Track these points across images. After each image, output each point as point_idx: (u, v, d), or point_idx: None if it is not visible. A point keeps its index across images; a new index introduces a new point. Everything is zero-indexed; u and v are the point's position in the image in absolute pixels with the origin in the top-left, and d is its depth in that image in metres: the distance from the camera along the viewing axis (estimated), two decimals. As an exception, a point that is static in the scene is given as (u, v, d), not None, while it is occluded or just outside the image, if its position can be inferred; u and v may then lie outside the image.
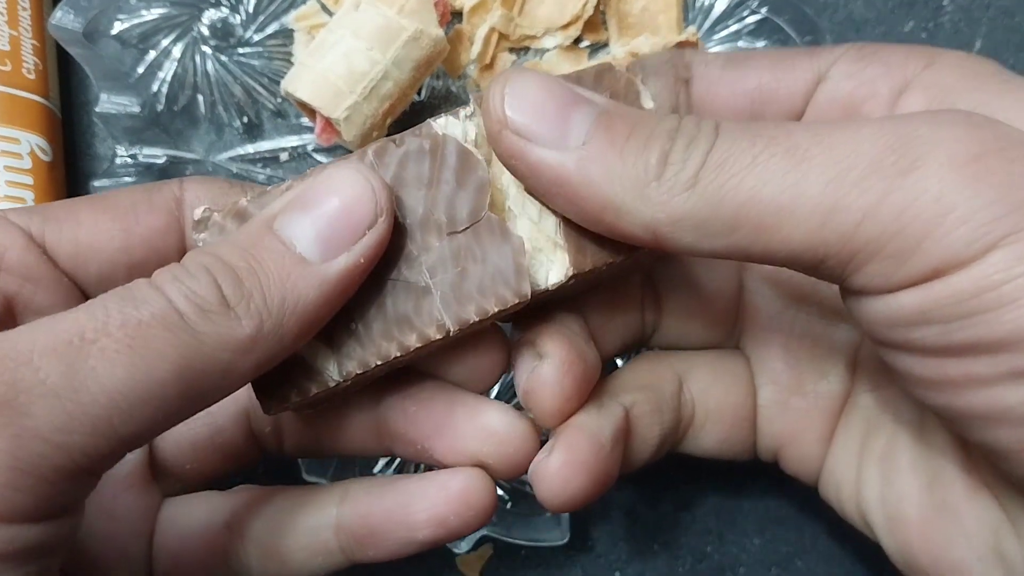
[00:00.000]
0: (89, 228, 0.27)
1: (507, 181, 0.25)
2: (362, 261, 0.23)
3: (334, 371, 0.25)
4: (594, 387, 0.29)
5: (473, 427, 0.28)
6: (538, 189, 0.24)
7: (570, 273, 0.25)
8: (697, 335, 0.33)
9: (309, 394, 0.25)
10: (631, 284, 0.31)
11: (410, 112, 0.41)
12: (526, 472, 0.28)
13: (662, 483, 0.42)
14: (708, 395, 0.32)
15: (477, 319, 0.25)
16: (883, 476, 0.29)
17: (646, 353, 0.33)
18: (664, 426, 0.30)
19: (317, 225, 0.23)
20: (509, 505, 0.39)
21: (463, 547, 0.38)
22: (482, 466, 0.28)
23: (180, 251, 0.28)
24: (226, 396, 0.23)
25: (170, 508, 0.30)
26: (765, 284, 0.32)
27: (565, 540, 0.38)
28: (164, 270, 0.22)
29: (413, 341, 0.25)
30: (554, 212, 0.25)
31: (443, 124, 0.25)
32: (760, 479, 0.42)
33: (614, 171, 0.22)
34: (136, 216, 0.27)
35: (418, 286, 0.25)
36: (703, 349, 0.33)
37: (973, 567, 0.26)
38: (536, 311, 0.27)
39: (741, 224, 0.21)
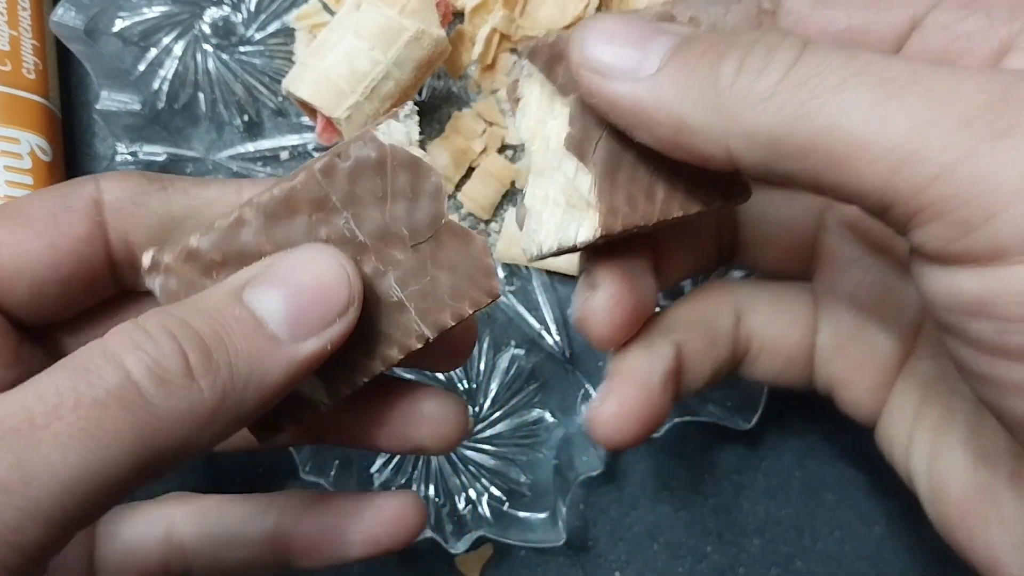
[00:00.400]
0: (11, 249, 0.25)
1: (550, 132, 0.25)
2: (329, 347, 0.23)
3: (323, 395, 0.25)
4: (651, 320, 0.29)
5: (409, 415, 0.29)
6: (620, 125, 0.24)
7: (598, 234, 0.25)
8: (769, 266, 0.33)
9: (303, 421, 0.26)
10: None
11: (411, 112, 0.41)
12: (457, 446, 0.30)
13: (662, 482, 0.42)
14: (766, 330, 0.32)
15: (454, 323, 0.25)
16: (932, 447, 0.28)
17: (708, 284, 0.33)
18: (717, 360, 0.31)
19: (289, 304, 0.22)
20: (507, 506, 0.39)
21: (460, 547, 0.38)
22: (419, 448, 0.30)
23: (106, 256, 0.27)
24: (177, 466, 0.22)
25: (108, 523, 0.30)
26: (846, 228, 0.31)
27: (561, 541, 0.38)
28: (121, 333, 0.21)
29: (395, 354, 0.25)
30: (590, 171, 0.25)
31: (385, 131, 0.24)
32: (760, 479, 0.42)
33: (688, 87, 0.22)
34: (58, 227, 0.26)
35: (391, 301, 0.25)
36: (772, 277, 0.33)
37: (1007, 554, 0.25)
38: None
39: (815, 150, 0.20)
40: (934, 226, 0.19)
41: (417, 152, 0.24)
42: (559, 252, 0.26)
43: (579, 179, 0.25)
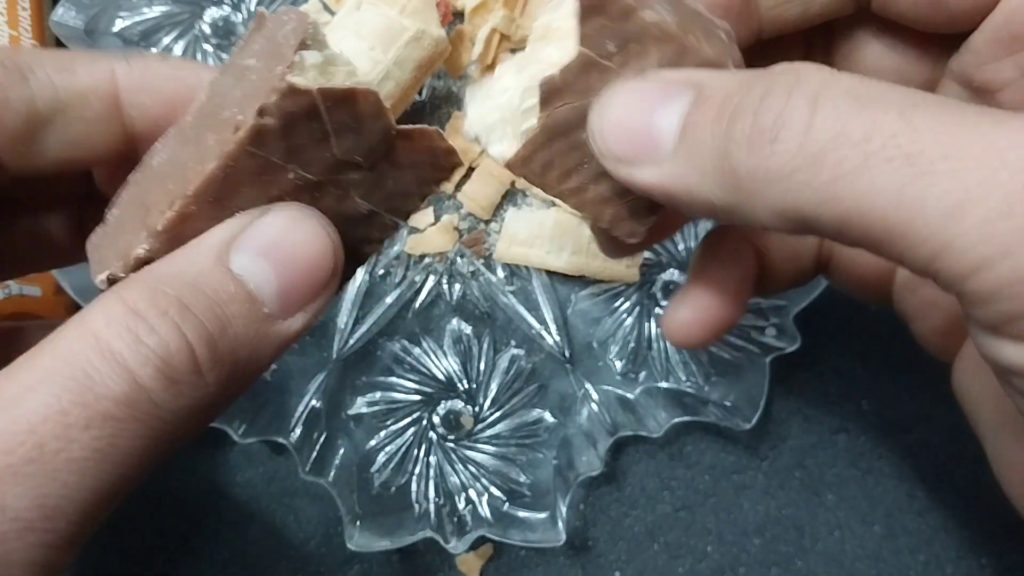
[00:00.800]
0: None
1: (544, 56, 0.24)
2: (312, 322, 0.22)
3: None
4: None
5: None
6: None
7: (501, 164, 0.25)
8: None
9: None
10: None
11: (411, 112, 0.41)
12: None
13: (662, 482, 0.42)
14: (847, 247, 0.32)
15: (424, 204, 0.26)
16: (998, 410, 0.28)
17: None
18: (799, 266, 0.31)
19: (281, 279, 0.21)
20: (507, 506, 0.39)
21: (460, 547, 0.38)
22: None
23: None
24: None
25: None
26: None
27: (561, 541, 0.38)
28: (115, 322, 0.19)
29: (376, 246, 0.26)
30: (536, 120, 0.24)
31: (300, 67, 0.22)
32: (760, 479, 0.42)
33: (705, 169, 0.21)
34: None
35: (362, 214, 0.25)
36: None
37: None
38: None
39: (848, 229, 0.19)
40: (978, 309, 0.19)
41: (341, 76, 0.23)
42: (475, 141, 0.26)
43: (524, 115, 0.24)
